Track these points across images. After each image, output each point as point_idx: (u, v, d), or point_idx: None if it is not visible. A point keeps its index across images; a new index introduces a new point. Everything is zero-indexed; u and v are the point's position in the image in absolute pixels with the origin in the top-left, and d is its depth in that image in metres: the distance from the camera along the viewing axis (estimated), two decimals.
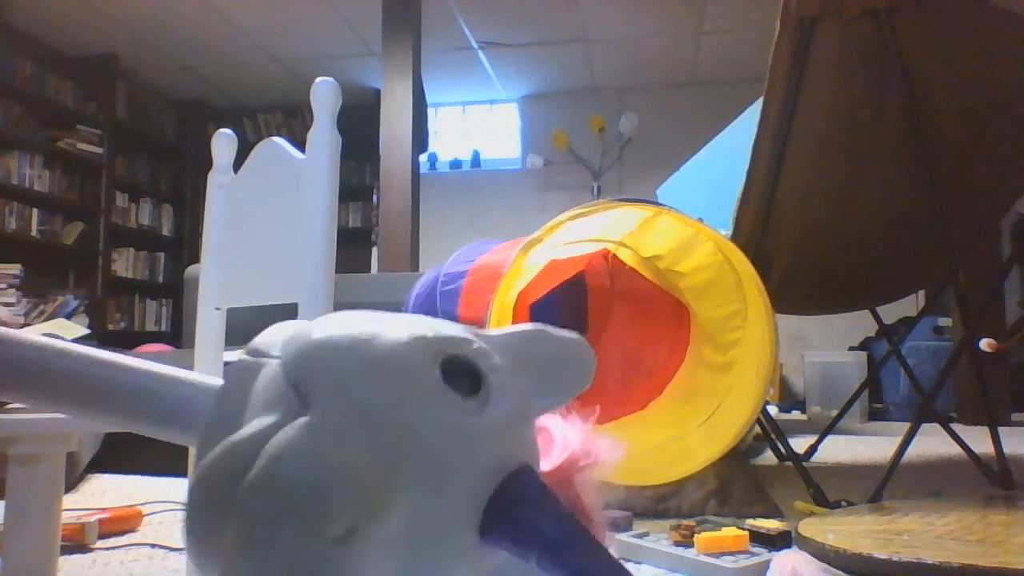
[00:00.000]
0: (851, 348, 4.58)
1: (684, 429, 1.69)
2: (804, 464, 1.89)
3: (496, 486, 0.31)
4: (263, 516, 0.28)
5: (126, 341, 5.00)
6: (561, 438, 0.37)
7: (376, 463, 0.28)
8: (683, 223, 1.67)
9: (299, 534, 0.28)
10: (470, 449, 0.30)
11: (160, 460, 2.09)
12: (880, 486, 1.61)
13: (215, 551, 0.29)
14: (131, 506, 1.64)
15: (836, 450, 2.67)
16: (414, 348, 0.31)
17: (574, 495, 0.36)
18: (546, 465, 0.36)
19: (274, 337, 0.34)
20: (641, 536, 1.30)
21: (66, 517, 1.39)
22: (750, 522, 1.29)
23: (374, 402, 0.29)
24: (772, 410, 3.82)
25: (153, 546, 1.42)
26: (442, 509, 0.30)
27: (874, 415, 4.14)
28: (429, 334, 0.32)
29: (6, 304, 4.56)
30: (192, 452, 1.11)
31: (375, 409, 0.29)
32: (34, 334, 0.37)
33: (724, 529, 1.25)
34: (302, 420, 0.29)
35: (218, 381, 0.34)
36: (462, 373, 0.31)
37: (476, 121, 6.29)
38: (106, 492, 1.97)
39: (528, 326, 0.35)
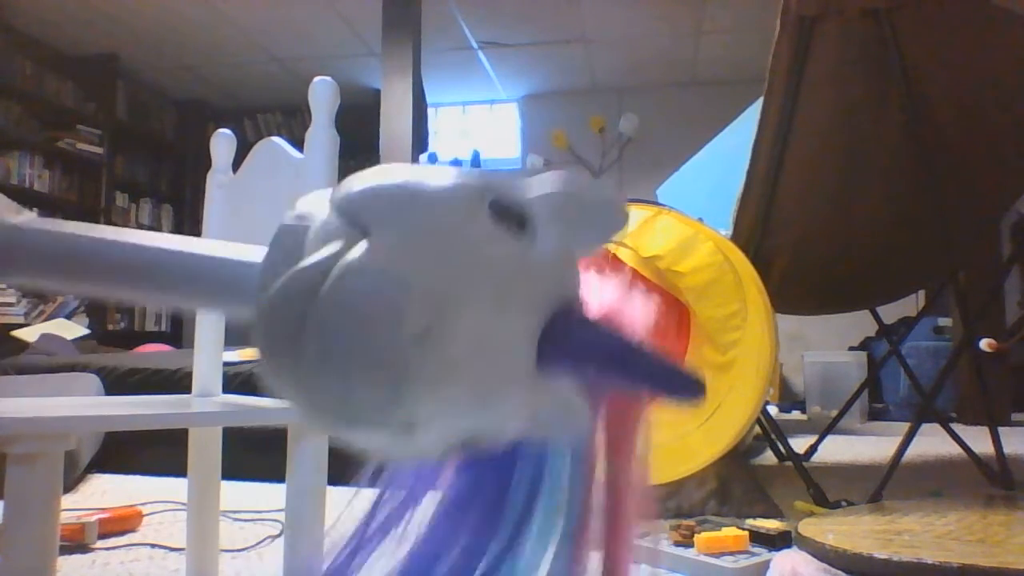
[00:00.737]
0: (851, 348, 4.58)
1: (684, 429, 1.69)
2: (804, 464, 1.89)
3: (549, 316, 0.32)
4: (340, 325, 0.30)
5: (126, 341, 5.00)
6: (598, 293, 0.38)
7: (441, 275, 0.30)
8: (683, 223, 1.67)
9: (377, 337, 0.29)
10: (524, 274, 0.32)
11: (160, 460, 2.09)
12: (880, 486, 1.61)
13: (293, 371, 0.31)
14: (131, 506, 1.64)
15: (836, 450, 2.67)
16: (463, 185, 0.33)
17: None
18: None
19: (313, 200, 0.35)
20: (641, 536, 1.30)
21: (66, 517, 1.39)
22: (750, 522, 1.29)
23: (433, 226, 0.31)
24: (772, 410, 3.82)
25: (153, 546, 1.42)
26: (501, 329, 0.31)
27: (874, 415, 4.14)
28: (474, 176, 0.33)
29: (6, 304, 4.56)
30: (192, 452, 1.11)
31: (435, 231, 0.31)
32: (72, 228, 0.37)
33: (724, 529, 1.25)
34: (365, 242, 0.31)
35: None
36: (508, 214, 0.33)
37: (476, 121, 6.29)
38: (106, 492, 1.97)
39: (560, 175, 0.36)
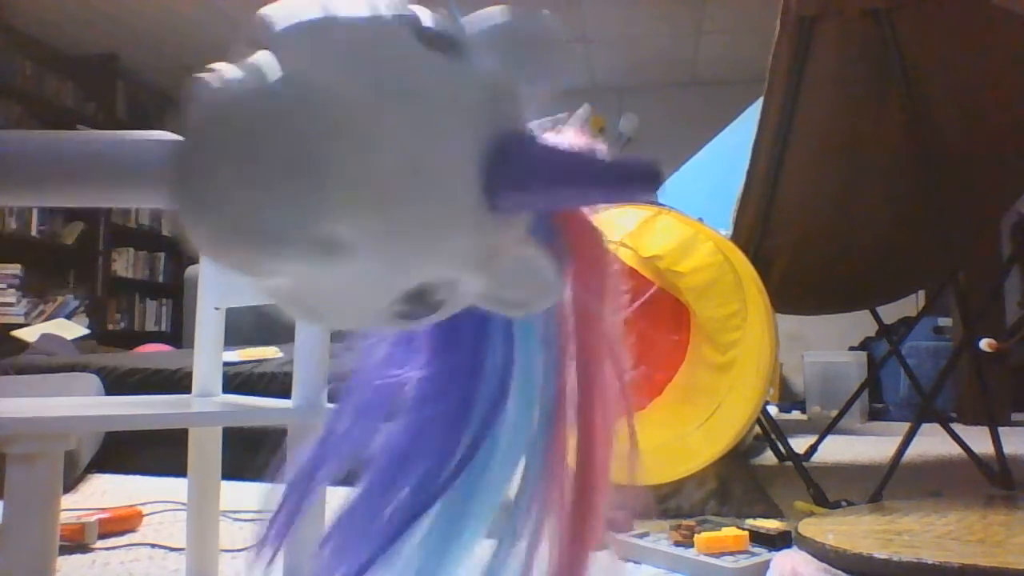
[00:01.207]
0: (851, 348, 4.57)
1: (684, 429, 1.69)
2: (804, 464, 1.89)
3: (494, 147, 0.29)
4: (249, 137, 0.27)
5: (126, 341, 5.00)
6: (553, 134, 0.36)
7: (355, 80, 0.27)
8: (683, 223, 1.67)
9: (290, 142, 0.27)
10: (454, 92, 0.29)
11: (160, 460, 2.09)
12: (880, 486, 1.61)
13: (208, 193, 0.29)
14: (131, 506, 1.64)
15: (836, 450, 2.67)
16: (388, 20, 0.30)
17: None
18: None
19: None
20: (641, 536, 1.30)
21: (66, 517, 1.39)
22: (750, 522, 1.29)
23: (346, 36, 0.28)
24: (772, 410, 3.82)
25: (153, 546, 1.42)
26: (429, 147, 0.28)
27: (874, 415, 4.13)
28: (405, 10, 0.30)
29: (6, 304, 4.56)
30: (192, 452, 1.11)
31: (348, 41, 0.28)
32: None
33: (724, 529, 1.25)
34: (270, 54, 0.28)
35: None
36: (437, 37, 0.30)
37: None
38: (106, 492, 1.97)
39: (501, 10, 0.33)
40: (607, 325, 0.37)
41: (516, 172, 0.29)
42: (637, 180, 0.30)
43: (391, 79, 0.28)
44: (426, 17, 0.30)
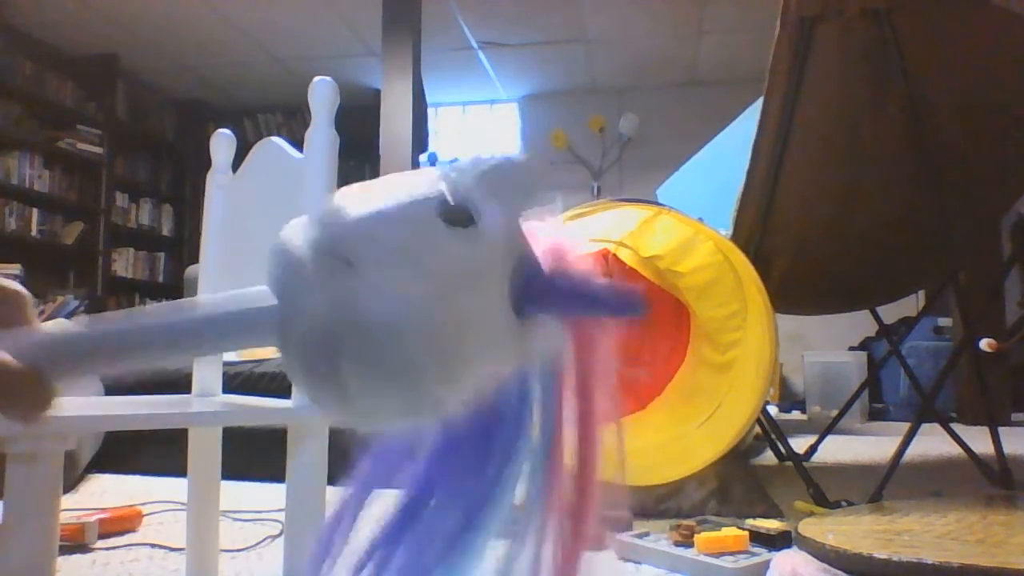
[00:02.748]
0: (851, 348, 4.58)
1: (684, 429, 1.69)
2: (804, 464, 1.89)
3: (512, 276, 0.38)
4: (369, 356, 0.35)
5: None
6: (539, 239, 0.43)
7: (428, 294, 0.36)
8: (683, 223, 1.67)
9: (399, 359, 0.35)
10: (485, 258, 0.38)
11: (160, 460, 2.09)
12: (880, 486, 1.61)
13: (333, 396, 0.36)
14: (131, 506, 1.64)
15: (836, 450, 2.67)
16: (417, 205, 0.38)
17: None
18: None
19: (296, 227, 0.39)
20: (641, 536, 1.30)
21: (66, 517, 1.39)
22: (750, 522, 1.29)
23: (407, 253, 0.37)
24: (772, 410, 3.82)
25: (153, 546, 1.42)
26: (485, 309, 0.37)
27: (874, 415, 4.14)
28: (428, 193, 0.39)
29: None
30: (192, 452, 1.11)
31: (409, 256, 0.37)
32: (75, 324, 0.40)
33: (724, 529, 1.25)
34: (358, 280, 0.36)
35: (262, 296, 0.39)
36: (457, 218, 0.38)
37: (476, 121, 6.28)
38: (106, 492, 1.97)
39: (490, 159, 0.42)
40: (601, 360, 0.44)
41: (534, 294, 0.39)
42: (625, 307, 0.39)
43: (447, 279, 0.36)
44: (448, 191, 0.39)
